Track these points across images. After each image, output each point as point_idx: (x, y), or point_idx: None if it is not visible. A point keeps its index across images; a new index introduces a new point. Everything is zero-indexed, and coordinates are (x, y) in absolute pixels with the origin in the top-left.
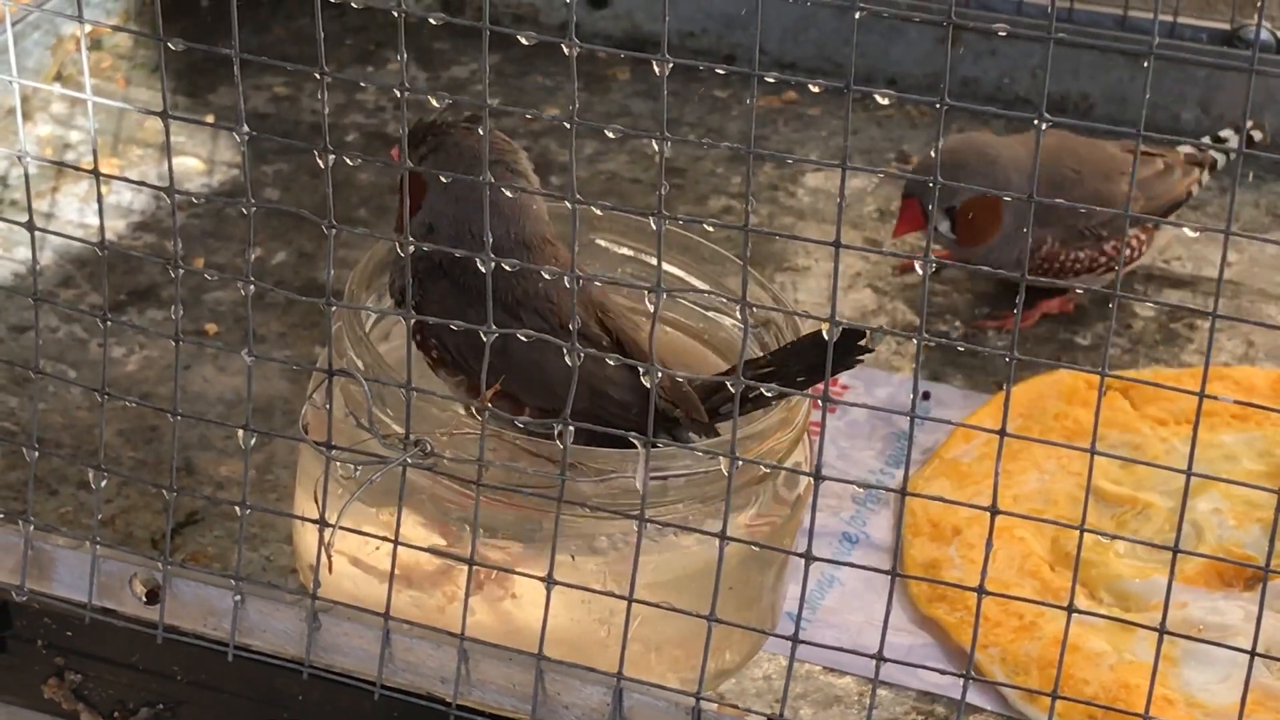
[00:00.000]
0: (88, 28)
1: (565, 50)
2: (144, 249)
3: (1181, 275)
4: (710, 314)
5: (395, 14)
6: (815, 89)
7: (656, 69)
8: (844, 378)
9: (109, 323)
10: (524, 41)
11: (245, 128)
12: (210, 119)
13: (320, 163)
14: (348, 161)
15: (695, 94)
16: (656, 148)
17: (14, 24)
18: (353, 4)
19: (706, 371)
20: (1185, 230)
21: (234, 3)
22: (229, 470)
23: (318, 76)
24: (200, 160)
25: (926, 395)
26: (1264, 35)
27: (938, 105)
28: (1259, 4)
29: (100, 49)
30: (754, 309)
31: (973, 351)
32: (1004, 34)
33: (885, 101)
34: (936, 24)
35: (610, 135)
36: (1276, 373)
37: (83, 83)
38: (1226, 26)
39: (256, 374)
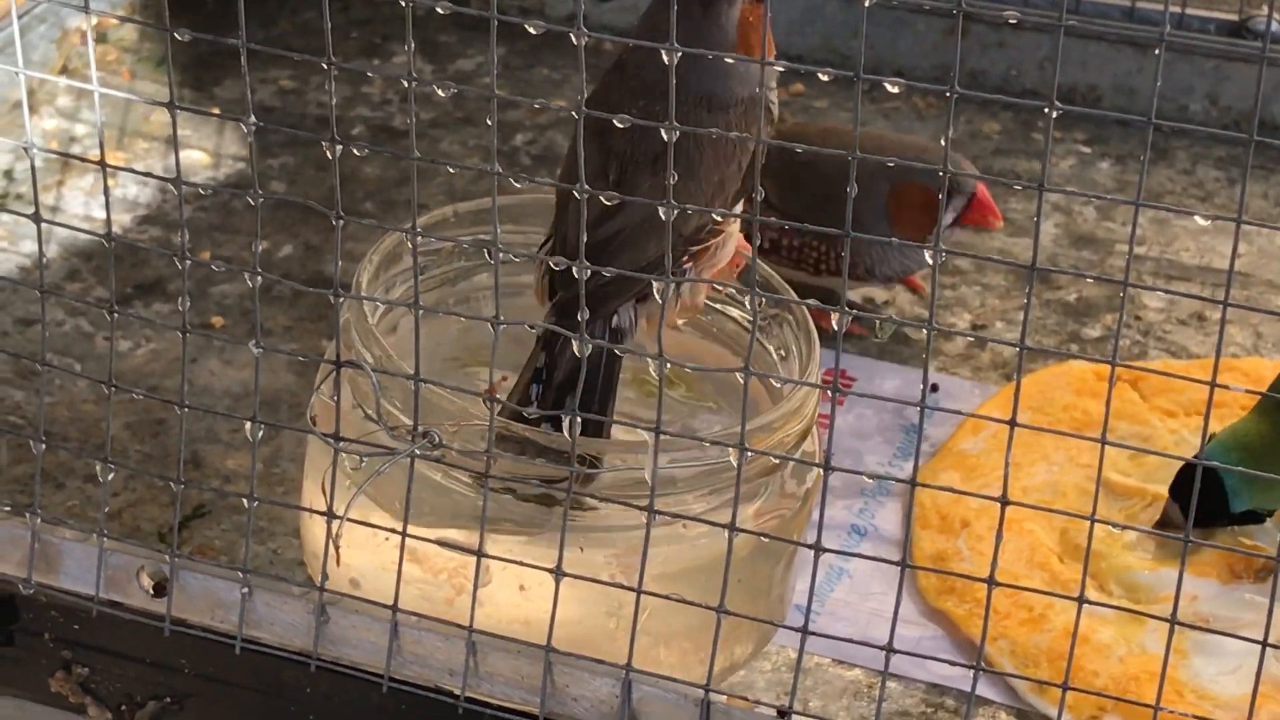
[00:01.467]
0: (93, 20)
1: (574, 40)
2: (150, 242)
3: (1189, 266)
4: (717, 305)
5: (402, 4)
6: (825, 77)
7: (665, 58)
8: (851, 370)
9: (115, 315)
10: (531, 31)
11: (252, 117)
12: (216, 111)
13: (328, 154)
14: (355, 153)
15: None
16: (665, 137)
17: (20, 17)
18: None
19: (712, 363)
20: (1197, 218)
21: None
22: (236, 463)
23: (325, 67)
24: (206, 153)
25: (935, 387)
26: (1274, 25)
27: (947, 94)
28: None
29: (105, 42)
30: (763, 299)
31: (981, 343)
32: (1014, 21)
33: (895, 90)
34: (946, 14)
35: (619, 125)
36: None
37: (88, 76)
38: (1234, 17)
39: (263, 367)
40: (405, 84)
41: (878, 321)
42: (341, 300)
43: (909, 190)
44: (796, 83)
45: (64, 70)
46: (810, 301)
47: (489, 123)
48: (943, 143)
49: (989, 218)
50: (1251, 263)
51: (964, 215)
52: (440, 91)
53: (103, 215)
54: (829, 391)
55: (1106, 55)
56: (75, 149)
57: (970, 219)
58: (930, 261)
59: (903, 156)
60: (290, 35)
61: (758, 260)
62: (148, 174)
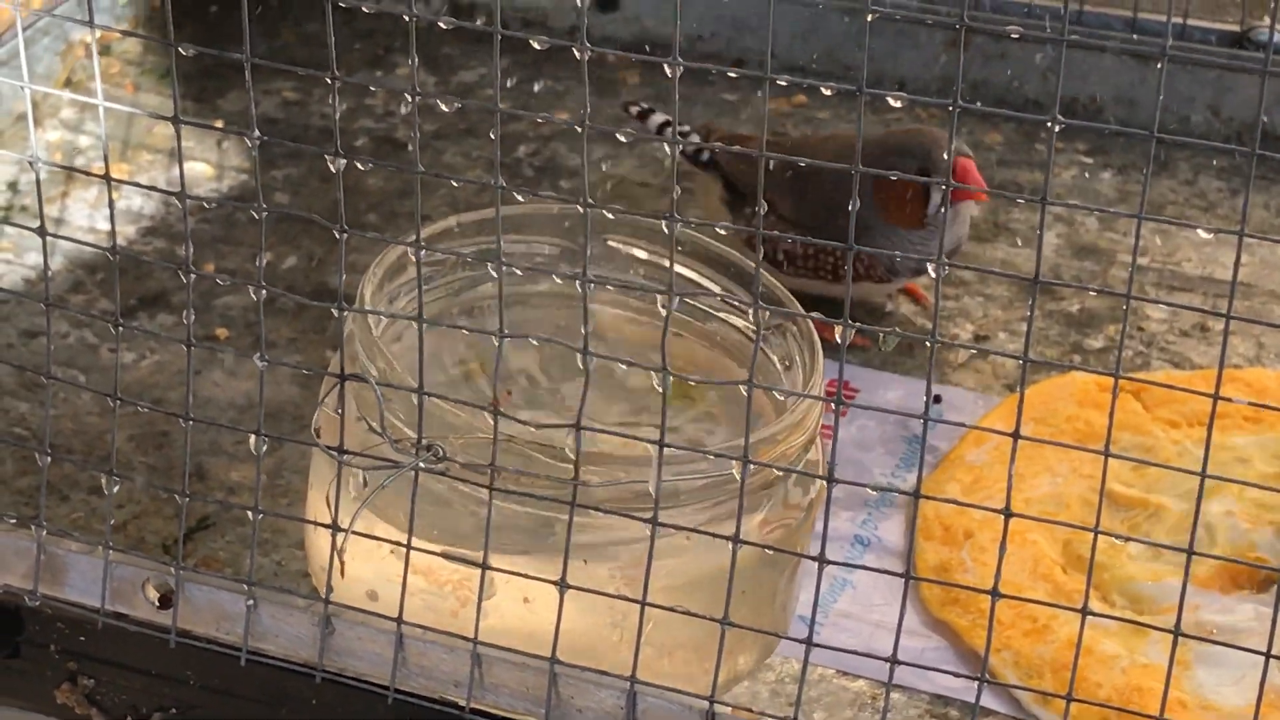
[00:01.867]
0: (98, 33)
1: (576, 54)
2: (154, 254)
3: (1191, 276)
4: (721, 314)
5: (405, 19)
6: (827, 92)
7: (668, 71)
8: (854, 381)
9: (120, 328)
10: (536, 46)
11: (256, 132)
12: (220, 124)
13: (331, 167)
14: (358, 166)
15: (704, 97)
16: (668, 150)
17: (24, 29)
18: (364, 9)
19: (718, 374)
20: (1200, 231)
21: (245, 7)
22: (240, 475)
23: (329, 81)
24: (210, 165)
25: (938, 398)
26: (1275, 37)
27: (950, 108)
28: (1273, 5)
29: (109, 55)
30: (767, 312)
31: (984, 354)
32: (1016, 36)
33: (897, 104)
34: (949, 27)
35: (621, 139)
36: None
37: (92, 88)
38: (1237, 28)
39: (267, 379)
40: (408, 98)
41: (881, 334)
42: (345, 314)
43: (893, 180)
44: (799, 95)
45: (68, 82)
46: (814, 315)
47: (492, 137)
48: (945, 156)
49: (975, 192)
50: (1254, 273)
51: (951, 193)
52: (443, 106)
53: (107, 227)
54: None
55: (1109, 66)
56: (79, 160)
57: (957, 195)
58: (950, 245)
59: (885, 145)
60: (294, 46)
61: (761, 271)
62: (151, 187)
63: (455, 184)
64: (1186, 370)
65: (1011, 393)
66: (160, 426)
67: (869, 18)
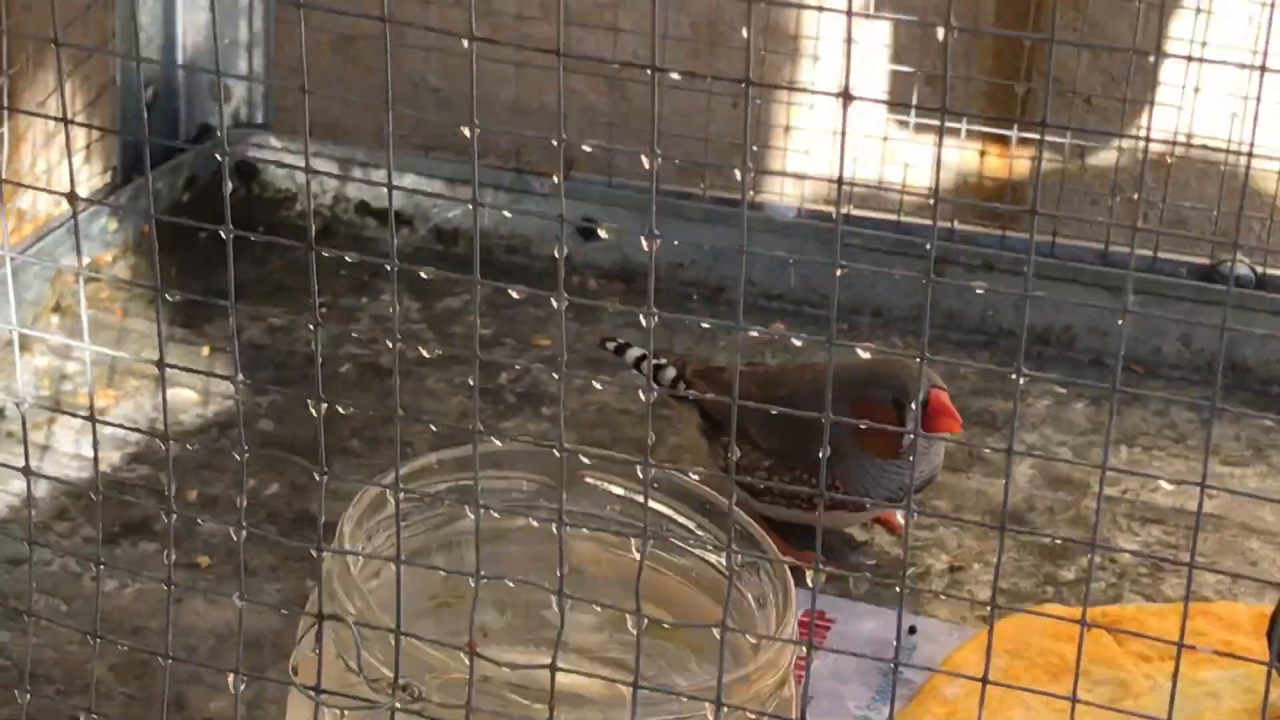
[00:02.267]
0: (86, 260)
1: (555, 304)
2: (139, 480)
3: (1163, 508)
4: (695, 551)
5: (388, 267)
6: (799, 343)
7: (644, 321)
8: (830, 611)
9: (102, 566)
10: (515, 295)
11: (240, 376)
12: (206, 351)
13: (313, 411)
14: (340, 411)
15: (683, 326)
16: (643, 398)
17: (11, 259)
18: (347, 259)
19: (694, 613)
20: (1163, 483)
21: (230, 258)
22: (219, 706)
23: (310, 328)
24: (195, 392)
25: (912, 630)
26: (1242, 270)
27: (917, 359)
28: (1234, 241)
29: (98, 280)
30: (739, 554)
31: (959, 583)
32: (981, 291)
33: (865, 354)
34: (916, 280)
35: (597, 385)
36: (1259, 608)
37: (79, 314)
38: (1206, 261)
39: (247, 610)
40: (390, 343)
41: (851, 578)
42: (324, 553)
43: (869, 411)
44: (777, 322)
45: (57, 307)
46: (788, 559)
47: (471, 383)
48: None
49: (948, 422)
50: (1225, 504)
51: (924, 424)
52: (425, 352)
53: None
54: (809, 632)
55: (1081, 297)
56: (67, 386)
57: (930, 427)
58: (925, 475)
59: (859, 375)
60: (281, 274)
61: (735, 510)
62: (134, 428)
63: (435, 429)
64: (1159, 603)
65: (986, 624)
66: (141, 655)
67: (838, 272)
